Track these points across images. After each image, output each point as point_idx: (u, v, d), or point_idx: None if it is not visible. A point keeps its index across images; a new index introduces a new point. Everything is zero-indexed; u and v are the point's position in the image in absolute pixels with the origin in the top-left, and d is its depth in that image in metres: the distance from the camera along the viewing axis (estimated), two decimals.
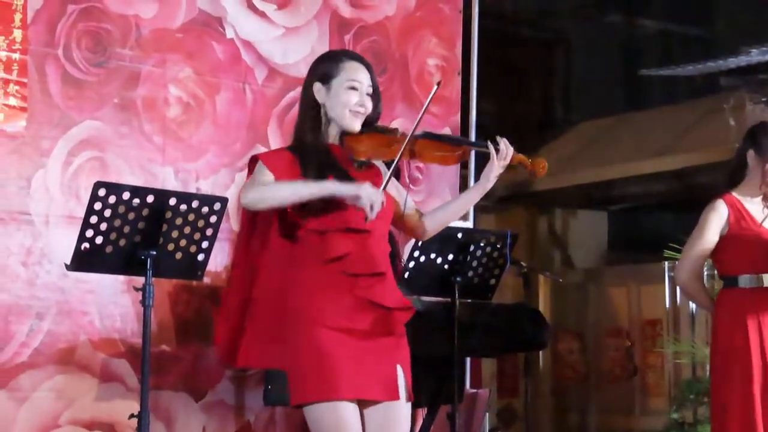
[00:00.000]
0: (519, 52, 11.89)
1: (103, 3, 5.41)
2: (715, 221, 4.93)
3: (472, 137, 6.80)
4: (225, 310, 3.92)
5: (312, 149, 3.83)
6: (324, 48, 6.01)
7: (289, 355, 3.75)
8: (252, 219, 3.89)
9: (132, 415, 4.53)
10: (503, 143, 3.87)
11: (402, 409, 3.80)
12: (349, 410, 3.67)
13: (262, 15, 5.90)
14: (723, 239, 4.94)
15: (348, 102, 3.84)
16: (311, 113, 3.89)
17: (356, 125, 3.86)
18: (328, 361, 3.67)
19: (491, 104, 9.91)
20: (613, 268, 11.16)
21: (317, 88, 3.88)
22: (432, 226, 4.06)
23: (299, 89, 5.71)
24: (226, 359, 3.94)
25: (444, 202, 4.18)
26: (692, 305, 9.33)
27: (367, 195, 3.66)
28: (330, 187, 3.70)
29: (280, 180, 3.74)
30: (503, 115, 11.05)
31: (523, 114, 12.01)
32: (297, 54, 5.97)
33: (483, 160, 4.00)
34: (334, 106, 3.86)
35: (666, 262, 9.26)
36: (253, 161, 3.87)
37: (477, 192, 3.98)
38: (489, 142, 3.89)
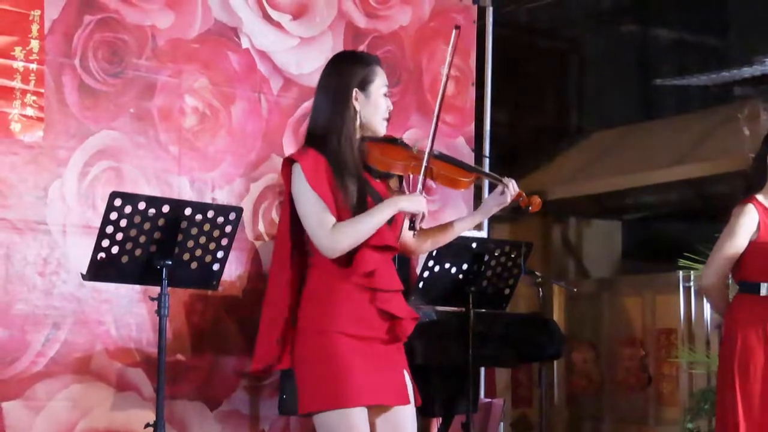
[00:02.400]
0: (533, 62, 11.88)
1: (119, 14, 5.43)
2: (748, 225, 4.88)
3: (487, 147, 6.82)
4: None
5: (346, 156, 3.81)
6: None
7: (303, 360, 3.77)
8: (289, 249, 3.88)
9: (148, 425, 4.54)
10: (511, 184, 3.91)
11: (410, 412, 3.84)
12: (358, 417, 3.69)
13: (278, 25, 5.92)
14: (750, 244, 4.91)
15: (383, 109, 3.86)
16: (351, 121, 3.82)
17: (384, 130, 3.88)
18: (340, 368, 3.68)
19: (505, 114, 9.93)
20: (627, 278, 11.14)
21: (356, 94, 3.84)
22: (425, 247, 4.10)
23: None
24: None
25: (440, 224, 4.18)
26: (707, 315, 9.30)
27: (425, 206, 3.75)
28: (398, 204, 3.74)
29: (343, 214, 3.73)
30: (517, 125, 11.06)
31: (537, 123, 12.01)
32: (312, 64, 5.99)
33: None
34: (370, 113, 3.83)
35: (680, 272, 9.23)
36: (287, 163, 3.78)
37: (471, 221, 4.06)
38: (501, 178, 3.93)
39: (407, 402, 3.81)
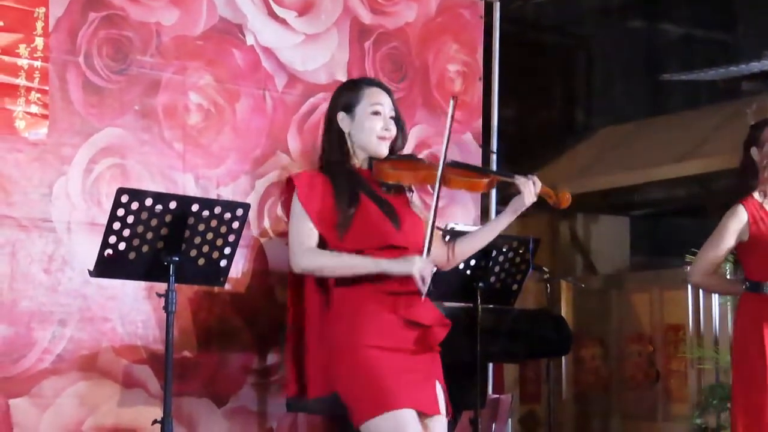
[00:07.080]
0: (540, 58, 11.86)
1: (124, 11, 5.42)
2: (734, 226, 4.90)
3: (494, 142, 6.81)
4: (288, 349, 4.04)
5: (342, 173, 3.87)
6: (344, 55, 6.03)
7: (341, 379, 3.80)
8: None
9: (155, 421, 4.54)
10: (531, 180, 3.92)
11: (441, 422, 3.88)
12: (409, 417, 3.71)
13: (283, 22, 5.91)
14: (744, 244, 4.91)
15: (373, 128, 3.90)
16: (338, 143, 3.95)
17: (384, 150, 3.92)
18: (377, 377, 3.73)
19: (513, 110, 9.91)
20: (635, 274, 11.12)
21: (341, 117, 3.94)
22: (458, 255, 4.16)
23: (319, 96, 5.83)
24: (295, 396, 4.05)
25: (470, 232, 4.23)
26: (715, 310, 9.29)
27: (418, 270, 3.74)
28: (383, 266, 3.78)
29: (333, 247, 3.83)
30: (525, 121, 11.04)
31: (545, 119, 11.99)
32: (317, 61, 5.98)
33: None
34: (359, 133, 3.91)
35: (688, 267, 9.20)
36: (290, 185, 3.91)
37: (502, 223, 4.07)
38: (516, 176, 3.94)
39: (438, 411, 3.85)
